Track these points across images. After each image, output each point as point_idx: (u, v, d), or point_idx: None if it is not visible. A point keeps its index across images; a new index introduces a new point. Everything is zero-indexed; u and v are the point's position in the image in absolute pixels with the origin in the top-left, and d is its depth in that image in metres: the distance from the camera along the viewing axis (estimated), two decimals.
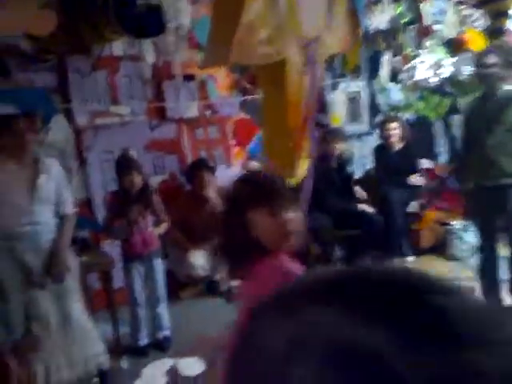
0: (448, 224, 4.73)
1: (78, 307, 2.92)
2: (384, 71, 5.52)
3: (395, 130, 4.86)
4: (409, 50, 5.11)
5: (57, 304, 2.82)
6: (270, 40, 1.93)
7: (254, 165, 4.34)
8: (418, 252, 4.61)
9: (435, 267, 4.28)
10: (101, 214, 3.73)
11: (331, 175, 4.55)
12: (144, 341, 3.49)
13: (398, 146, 4.89)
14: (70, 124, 3.61)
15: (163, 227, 3.57)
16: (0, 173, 2.71)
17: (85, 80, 3.76)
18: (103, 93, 3.90)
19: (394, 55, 5.29)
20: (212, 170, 4.20)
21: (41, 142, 3.19)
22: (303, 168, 2.36)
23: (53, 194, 2.88)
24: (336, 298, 0.36)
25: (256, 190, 1.47)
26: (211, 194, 4.11)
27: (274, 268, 1.39)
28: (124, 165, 3.46)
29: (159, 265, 3.50)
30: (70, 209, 2.96)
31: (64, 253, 2.85)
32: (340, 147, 4.71)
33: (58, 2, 2.67)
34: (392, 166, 4.74)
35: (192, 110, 4.35)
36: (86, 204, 3.84)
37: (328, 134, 4.72)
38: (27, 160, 2.80)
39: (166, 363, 3.28)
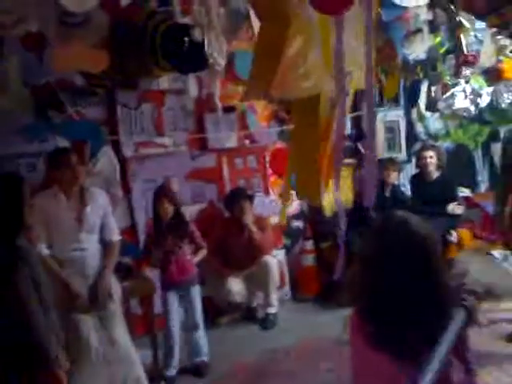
0: (489, 254, 4.65)
1: (120, 331, 3.01)
2: (423, 100, 5.53)
3: (432, 158, 4.85)
4: (447, 79, 5.11)
5: (100, 328, 2.92)
6: (308, 75, 2.02)
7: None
8: None
9: None
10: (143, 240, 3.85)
11: (384, 205, 4.58)
12: (172, 371, 3.48)
13: (434, 174, 4.87)
14: (116, 154, 3.78)
15: (201, 254, 3.63)
16: (52, 204, 2.88)
17: (132, 113, 3.96)
18: (148, 125, 4.09)
19: (433, 84, 5.29)
20: (250, 198, 4.28)
21: (89, 172, 3.37)
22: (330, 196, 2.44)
23: (98, 223, 3.01)
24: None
25: None
26: (249, 221, 4.19)
27: None
28: (156, 194, 3.51)
29: (196, 291, 3.55)
30: (115, 236, 3.10)
31: (108, 281, 2.96)
32: (393, 176, 4.74)
33: (109, 42, 2.85)
34: (429, 194, 4.71)
35: (232, 141, 4.48)
36: (130, 230, 3.98)
37: (382, 163, 4.78)
38: (76, 190, 2.96)
39: None
